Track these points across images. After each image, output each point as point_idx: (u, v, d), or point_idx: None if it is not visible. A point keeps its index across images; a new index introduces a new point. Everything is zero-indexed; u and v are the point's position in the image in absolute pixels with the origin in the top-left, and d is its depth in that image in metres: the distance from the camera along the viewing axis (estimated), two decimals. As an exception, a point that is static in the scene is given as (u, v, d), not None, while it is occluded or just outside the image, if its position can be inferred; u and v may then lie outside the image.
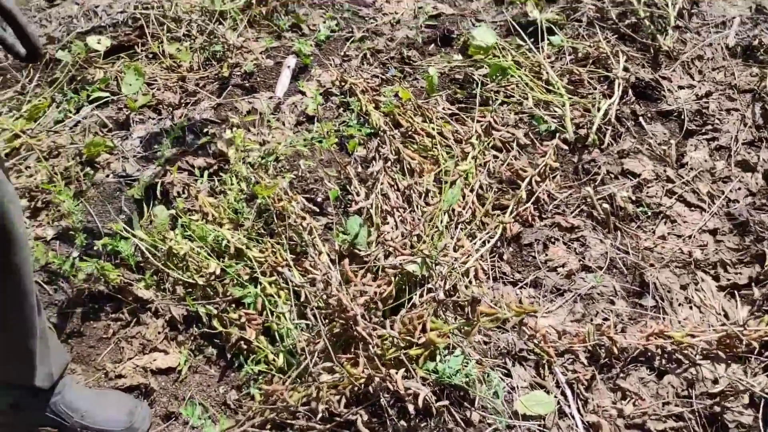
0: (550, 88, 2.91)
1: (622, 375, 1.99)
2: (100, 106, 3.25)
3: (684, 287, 2.21)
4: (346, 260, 2.17)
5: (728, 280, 2.20)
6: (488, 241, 2.28)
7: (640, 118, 2.81)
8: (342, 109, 3.08)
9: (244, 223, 2.51)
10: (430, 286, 2.07)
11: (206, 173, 2.72)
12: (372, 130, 2.92)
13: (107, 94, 3.27)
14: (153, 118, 3.17)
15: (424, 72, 3.34)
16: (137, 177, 2.81)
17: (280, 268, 2.32)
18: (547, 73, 2.94)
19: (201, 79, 3.34)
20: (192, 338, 2.31)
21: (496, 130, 2.69)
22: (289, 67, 3.34)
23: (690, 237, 2.38)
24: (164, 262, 2.40)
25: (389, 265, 2.08)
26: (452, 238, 2.26)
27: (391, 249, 2.21)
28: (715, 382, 1.95)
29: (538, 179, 2.45)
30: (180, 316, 2.34)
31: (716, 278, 2.23)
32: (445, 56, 3.45)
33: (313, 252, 2.33)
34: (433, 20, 3.63)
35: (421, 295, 2.07)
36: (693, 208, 2.47)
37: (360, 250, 2.27)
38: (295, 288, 2.21)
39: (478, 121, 2.76)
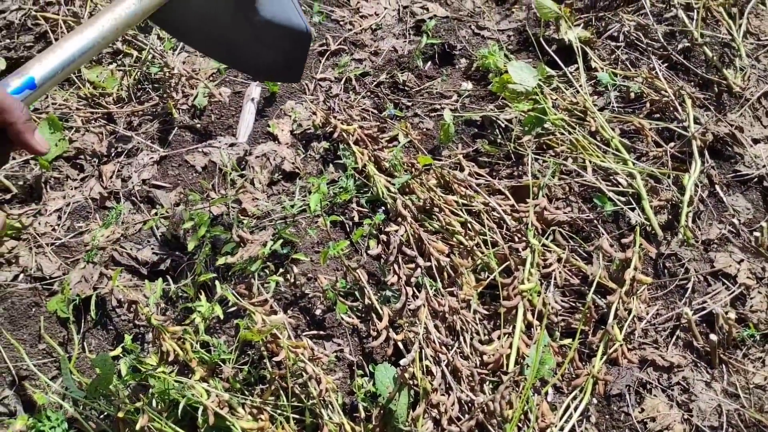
0: (600, 142, 2.27)
1: None
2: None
3: (825, 456, 1.70)
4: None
5: None
6: (577, 407, 1.67)
7: (717, 188, 2.23)
8: (327, 158, 2.35)
9: (222, 365, 1.79)
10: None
11: (159, 281, 1.95)
12: (374, 200, 2.22)
13: (4, 140, 2.39)
14: (73, 178, 2.33)
15: (425, 105, 2.63)
16: (59, 279, 2.02)
17: (282, 445, 1.64)
18: (599, 123, 2.29)
19: (134, 115, 2.50)
20: None
21: (549, 213, 2.05)
22: (252, 99, 2.55)
23: (810, 368, 1.85)
24: (111, 435, 1.68)
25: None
26: (527, 403, 1.63)
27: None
28: None
29: (625, 300, 1.84)
30: None
31: None
32: (447, 80, 2.74)
33: (330, 422, 1.65)
34: (421, 24, 2.89)
35: None
36: (806, 325, 1.94)
37: (402, 427, 1.61)
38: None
39: (524, 197, 2.10)
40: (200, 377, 1.74)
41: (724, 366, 1.86)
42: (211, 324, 1.89)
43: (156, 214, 2.18)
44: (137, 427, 1.62)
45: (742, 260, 2.05)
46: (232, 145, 2.42)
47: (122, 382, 1.71)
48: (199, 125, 2.47)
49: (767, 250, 2.09)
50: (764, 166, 2.29)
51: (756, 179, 2.28)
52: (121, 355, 1.81)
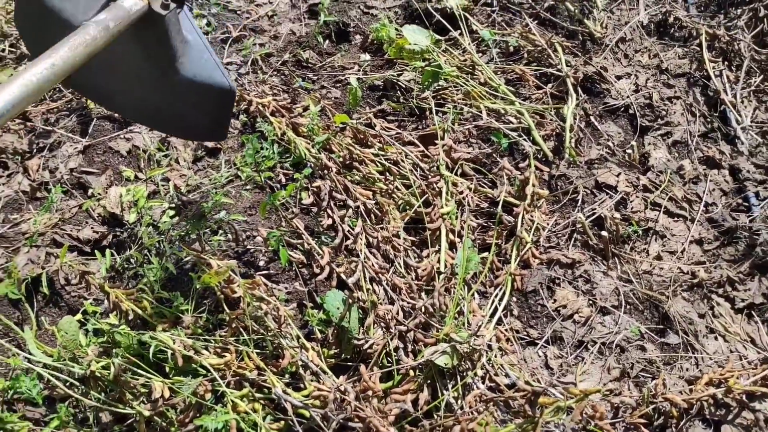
0: (490, 91, 2.58)
1: (681, 437, 1.80)
2: None
3: (702, 315, 2.06)
4: (362, 367, 1.71)
5: (742, 300, 2.08)
6: (501, 300, 1.94)
7: (592, 118, 2.59)
8: (252, 136, 2.52)
9: (182, 317, 1.93)
10: (465, 380, 1.69)
11: (107, 252, 2.06)
12: (298, 162, 2.41)
13: None
14: (-1, 176, 2.38)
15: (330, 78, 2.85)
16: (4, 266, 2.08)
17: (249, 375, 1.81)
18: (486, 75, 2.60)
19: (50, 113, 2.57)
20: (144, 485, 1.75)
21: (455, 153, 2.32)
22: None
23: (682, 252, 2.22)
24: (84, 392, 1.78)
25: (418, 364, 1.66)
26: (460, 304, 1.89)
27: (397, 333, 1.79)
28: (768, 422, 1.82)
29: (528, 210, 2.14)
30: (121, 459, 1.75)
31: (730, 300, 2.09)
32: (346, 54, 2.98)
33: (291, 347, 1.83)
34: (314, 8, 3.11)
35: (456, 390, 1.70)
36: (676, 218, 2.31)
37: (357, 339, 1.82)
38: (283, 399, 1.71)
39: (432, 143, 2.36)
40: (162, 329, 1.88)
41: (616, 258, 2.20)
42: (164, 283, 2.02)
43: (91, 196, 2.28)
44: (110, 376, 1.74)
45: (619, 173, 2.41)
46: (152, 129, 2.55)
47: (89, 341, 1.82)
48: (117, 114, 2.57)
49: (639, 163, 2.46)
50: (628, 97, 2.67)
51: (622, 108, 2.66)
52: (82, 320, 1.90)
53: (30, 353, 1.80)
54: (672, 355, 1.97)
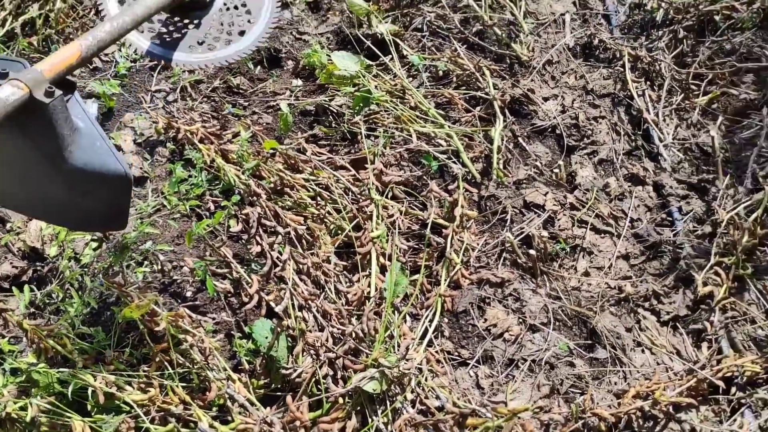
0: (420, 115, 2.61)
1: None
2: None
3: (629, 329, 2.10)
4: (289, 397, 1.68)
5: (667, 313, 2.13)
6: (431, 321, 1.94)
7: (520, 139, 2.63)
8: (177, 162, 2.48)
9: (104, 352, 1.87)
10: (394, 404, 1.67)
11: (25, 288, 1.99)
12: (228, 189, 2.38)
13: None
14: None
15: (262, 103, 2.84)
16: None
17: (174, 410, 1.76)
18: (416, 99, 2.62)
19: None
20: None
21: (386, 176, 2.33)
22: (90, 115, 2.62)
23: (609, 267, 2.27)
24: (0, 435, 1.70)
25: (346, 391, 1.64)
26: (390, 328, 1.88)
27: (326, 360, 1.77)
28: (695, 432, 1.86)
29: (458, 231, 2.15)
30: (40, 505, 1.67)
31: (655, 313, 2.14)
32: (278, 80, 2.97)
33: (217, 380, 1.79)
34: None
35: (385, 416, 1.68)
36: (603, 235, 2.36)
37: (285, 368, 1.79)
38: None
39: (363, 167, 2.37)
40: (83, 366, 1.82)
41: (545, 276, 2.23)
42: (85, 318, 1.96)
43: (10, 230, 2.20)
44: (27, 417, 1.67)
45: (547, 192, 2.45)
46: (78, 159, 2.48)
47: (5, 381, 1.74)
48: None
49: (566, 182, 2.51)
50: (555, 117, 2.73)
51: (549, 129, 2.72)
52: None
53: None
54: (600, 369, 2.00)
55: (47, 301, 2.02)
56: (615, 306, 2.16)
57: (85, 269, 2.06)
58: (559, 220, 2.36)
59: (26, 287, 1.98)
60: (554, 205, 2.41)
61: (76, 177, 1.44)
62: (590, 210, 2.41)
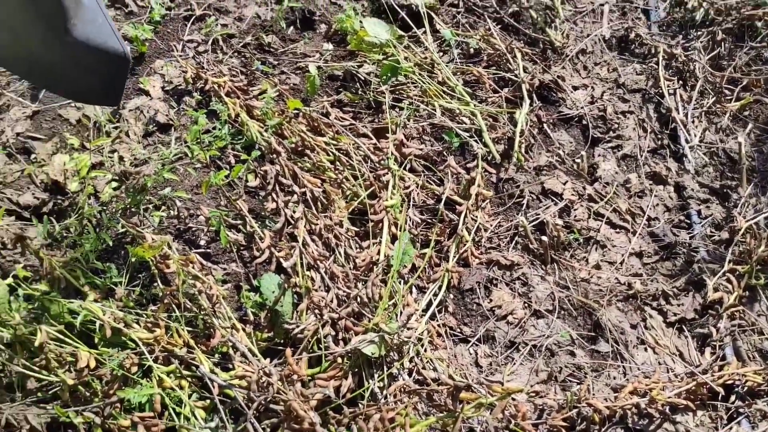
0: (447, 91, 2.59)
1: (601, 442, 1.82)
2: None
3: (634, 326, 2.09)
4: (288, 350, 1.70)
5: (674, 314, 2.12)
6: (436, 295, 1.95)
7: (545, 126, 2.61)
8: (201, 110, 2.48)
9: (115, 289, 1.90)
10: (391, 370, 1.69)
11: (45, 219, 2.02)
12: (249, 145, 2.39)
13: None
14: (-61, 134, 2.31)
15: (291, 64, 2.83)
16: (-65, 227, 2.02)
17: (178, 351, 1.78)
18: (444, 74, 2.61)
19: (2, 75, 2.51)
20: (64, 455, 1.71)
21: (406, 148, 2.32)
22: None
23: (621, 263, 2.26)
24: (10, 356, 1.73)
25: (345, 351, 1.66)
26: (394, 296, 1.89)
27: (329, 320, 1.78)
28: (690, 435, 1.86)
29: (472, 209, 2.15)
30: (42, 426, 1.71)
31: (662, 313, 2.13)
32: (309, 43, 2.96)
33: (222, 327, 1.82)
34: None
35: (381, 380, 1.70)
36: (618, 230, 2.35)
37: (288, 323, 1.81)
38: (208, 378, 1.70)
39: (384, 136, 2.36)
40: (94, 300, 1.84)
41: (555, 264, 2.22)
42: (100, 254, 1.98)
43: (34, 161, 2.23)
44: (36, 342, 1.70)
45: (566, 181, 2.44)
46: (104, 100, 2.50)
47: (18, 305, 1.78)
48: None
49: (587, 173, 2.50)
50: (582, 107, 2.71)
51: (576, 118, 2.70)
52: (12, 285, 1.85)
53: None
54: (601, 362, 2.01)
55: (65, 234, 2.04)
56: (622, 302, 2.16)
57: (104, 207, 2.08)
58: (575, 210, 2.35)
59: (45, 218, 2.01)
60: (572, 194, 2.40)
61: (77, 50, 1.47)
62: (608, 203, 2.39)
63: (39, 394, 1.75)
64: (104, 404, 1.69)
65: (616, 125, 2.67)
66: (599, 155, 2.58)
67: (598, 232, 2.31)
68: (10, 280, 1.87)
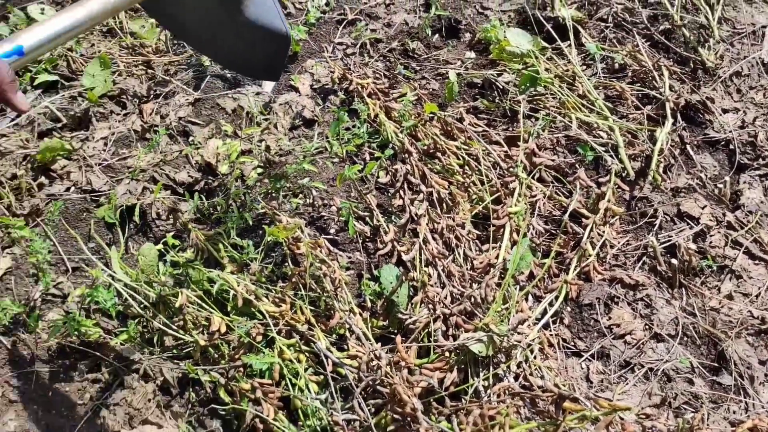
0: (586, 104, 2.57)
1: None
2: (48, 92, 2.66)
3: (763, 362, 1.97)
4: (399, 337, 1.78)
5: (811, 357, 1.98)
6: (551, 305, 1.95)
7: (687, 147, 2.52)
8: (343, 108, 2.63)
9: (250, 264, 2.06)
10: (497, 371, 1.72)
11: (196, 195, 2.23)
12: (385, 144, 2.50)
13: (55, 77, 2.68)
14: (116, 113, 2.61)
15: (432, 70, 2.92)
16: (106, 193, 2.29)
17: (300, 327, 1.91)
18: (585, 88, 2.59)
19: (171, 65, 2.80)
20: (190, 406, 1.89)
21: (537, 157, 2.33)
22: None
23: (757, 296, 2.13)
24: (153, 314, 1.94)
25: (453, 346, 1.71)
26: (508, 300, 1.91)
27: (441, 315, 1.84)
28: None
29: (599, 224, 2.12)
30: (174, 379, 1.90)
31: (797, 353, 2.00)
32: (453, 50, 3.04)
33: (342, 310, 1.92)
34: (430, 1, 3.19)
35: (486, 379, 1.73)
36: (757, 261, 2.22)
37: (402, 314, 1.89)
38: (324, 354, 1.81)
39: (516, 145, 2.39)
40: (230, 272, 2.02)
41: (683, 289, 2.14)
42: (240, 231, 2.16)
43: (191, 143, 2.47)
44: (177, 304, 1.90)
45: (705, 206, 2.34)
46: (258, 93, 2.72)
47: (165, 269, 1.99)
48: (229, 75, 2.76)
49: (729, 200, 2.38)
50: (731, 131, 2.58)
51: (723, 142, 2.57)
52: (162, 250, 2.07)
53: (113, 271, 1.98)
54: (721, 395, 1.91)
55: (212, 210, 2.24)
56: (753, 336, 2.04)
57: (248, 189, 2.26)
58: (711, 236, 2.25)
59: (197, 195, 2.22)
60: (710, 220, 2.29)
61: (248, 29, 1.68)
62: (749, 233, 2.27)
63: (174, 351, 1.94)
64: (229, 367, 1.85)
65: (767, 153, 2.52)
66: (744, 182, 2.45)
67: (734, 261, 2.20)
68: (160, 246, 2.09)
